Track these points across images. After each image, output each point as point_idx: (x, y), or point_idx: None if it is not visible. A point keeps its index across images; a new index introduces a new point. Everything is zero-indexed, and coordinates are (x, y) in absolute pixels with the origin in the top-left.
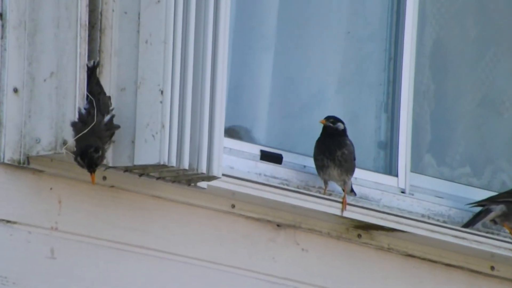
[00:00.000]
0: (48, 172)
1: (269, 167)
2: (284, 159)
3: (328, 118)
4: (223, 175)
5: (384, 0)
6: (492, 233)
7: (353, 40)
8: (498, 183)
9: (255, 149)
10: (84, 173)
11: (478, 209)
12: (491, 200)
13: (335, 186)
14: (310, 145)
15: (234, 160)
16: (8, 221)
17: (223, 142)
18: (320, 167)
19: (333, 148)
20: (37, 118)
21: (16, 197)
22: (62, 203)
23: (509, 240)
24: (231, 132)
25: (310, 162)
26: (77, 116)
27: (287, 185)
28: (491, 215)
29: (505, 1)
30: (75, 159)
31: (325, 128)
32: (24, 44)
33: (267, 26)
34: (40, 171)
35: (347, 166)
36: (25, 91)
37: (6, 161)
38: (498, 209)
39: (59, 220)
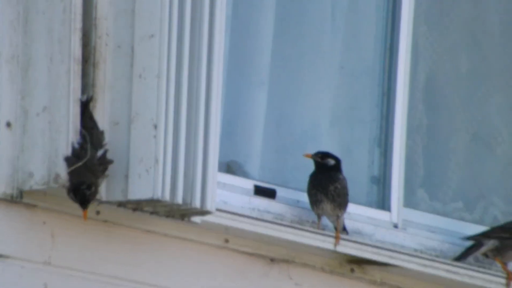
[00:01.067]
0: (41, 206)
1: (262, 202)
2: (277, 194)
3: (317, 153)
4: (217, 209)
5: (377, 35)
6: (484, 267)
7: (347, 75)
8: (490, 218)
9: (249, 184)
10: (77, 207)
11: (470, 242)
12: (484, 235)
13: (328, 222)
14: (303, 180)
15: (228, 195)
16: (0, 255)
17: (216, 177)
18: (314, 201)
19: (325, 183)
20: (30, 152)
21: (9, 231)
22: (55, 237)
23: (501, 274)
24: (225, 167)
25: (304, 197)
26: (70, 150)
27: (281, 220)
28: (483, 249)
29: (498, 37)
30: (68, 194)
31: (316, 163)
32: (17, 78)
33: (261, 61)
34: (33, 206)
35: (340, 200)
36: (18, 125)
37: None
38: (490, 243)
39: (52, 254)
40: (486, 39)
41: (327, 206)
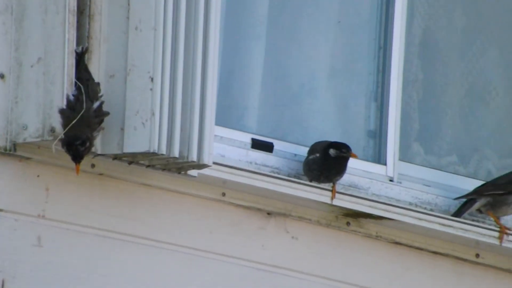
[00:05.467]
0: (35, 159)
1: (260, 156)
2: (275, 148)
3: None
4: (214, 163)
5: None
6: (478, 221)
7: (343, 29)
8: (484, 171)
9: (246, 138)
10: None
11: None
12: (477, 193)
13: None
14: (301, 133)
15: (225, 148)
16: None
17: (214, 130)
18: (313, 177)
19: (333, 173)
20: (24, 104)
21: (2, 185)
22: (49, 190)
23: (494, 228)
24: (222, 120)
25: (301, 151)
26: (65, 102)
27: (278, 173)
28: (477, 205)
29: None
30: (62, 147)
31: (337, 157)
32: (11, 30)
33: (258, 14)
34: (27, 158)
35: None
36: (11, 77)
37: None
38: (483, 199)
39: (46, 207)
40: None
41: (324, 181)
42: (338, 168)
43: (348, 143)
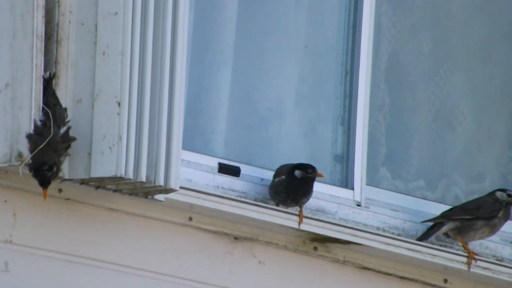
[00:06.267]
0: (3, 184)
1: (227, 180)
2: (242, 172)
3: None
4: (181, 187)
5: (340, 14)
6: (445, 247)
7: (311, 53)
8: (452, 196)
9: (213, 162)
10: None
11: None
12: (445, 217)
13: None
14: (268, 158)
15: (192, 172)
16: None
17: (180, 154)
18: (279, 200)
19: (299, 195)
20: None
21: None
22: (16, 215)
23: (462, 253)
24: (189, 144)
25: (268, 175)
26: (32, 128)
27: (245, 197)
28: (444, 229)
29: (459, 17)
30: (29, 171)
31: (303, 178)
32: None
33: (225, 39)
34: None
35: (306, 202)
36: None
37: None
38: (451, 223)
39: (13, 233)
40: (448, 18)
41: (291, 205)
42: (305, 189)
43: (316, 166)
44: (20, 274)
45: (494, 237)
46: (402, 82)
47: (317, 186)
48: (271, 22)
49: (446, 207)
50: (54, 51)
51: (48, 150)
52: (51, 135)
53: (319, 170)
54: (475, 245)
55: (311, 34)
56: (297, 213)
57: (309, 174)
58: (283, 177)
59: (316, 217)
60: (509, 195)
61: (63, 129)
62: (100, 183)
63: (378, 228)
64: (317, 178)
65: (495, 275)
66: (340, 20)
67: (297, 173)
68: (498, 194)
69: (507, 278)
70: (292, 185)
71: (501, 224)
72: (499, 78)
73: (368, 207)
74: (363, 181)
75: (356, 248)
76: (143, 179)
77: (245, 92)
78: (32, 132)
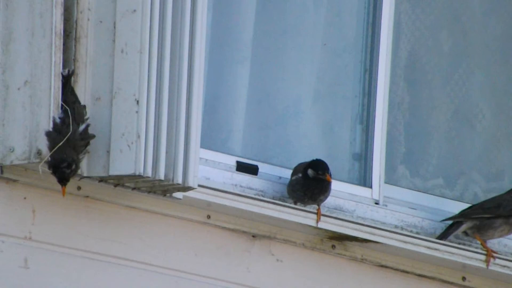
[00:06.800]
0: (22, 182)
1: (245, 178)
2: (260, 170)
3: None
4: (199, 185)
5: (359, 12)
6: (464, 244)
7: (329, 52)
8: (470, 194)
9: (231, 160)
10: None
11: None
12: (464, 216)
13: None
14: (286, 156)
15: (210, 171)
16: None
17: (199, 152)
18: (297, 198)
19: (316, 193)
20: (10, 127)
21: None
22: (36, 212)
23: (480, 251)
24: (207, 142)
25: (286, 174)
26: (51, 125)
27: (263, 196)
28: (463, 227)
29: (479, 15)
30: (49, 168)
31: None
32: None
33: (244, 38)
34: (14, 181)
35: (324, 199)
36: None
37: None
38: (469, 222)
39: (32, 229)
40: (468, 16)
41: (309, 203)
42: (320, 188)
43: (333, 166)
44: (39, 271)
45: None
46: (421, 80)
47: (335, 184)
48: (290, 20)
49: (465, 205)
50: (72, 48)
51: (67, 148)
52: (70, 132)
53: (337, 169)
54: (494, 243)
55: (329, 32)
56: (315, 211)
57: (320, 175)
58: (300, 175)
59: (334, 215)
60: None
61: (82, 127)
62: (118, 181)
63: (396, 226)
64: (334, 176)
65: None
66: (359, 18)
67: (310, 172)
68: None
69: None
70: (308, 183)
71: None
72: None
73: (386, 205)
74: (382, 179)
75: (374, 246)
76: (162, 177)
77: (263, 90)
78: (51, 129)
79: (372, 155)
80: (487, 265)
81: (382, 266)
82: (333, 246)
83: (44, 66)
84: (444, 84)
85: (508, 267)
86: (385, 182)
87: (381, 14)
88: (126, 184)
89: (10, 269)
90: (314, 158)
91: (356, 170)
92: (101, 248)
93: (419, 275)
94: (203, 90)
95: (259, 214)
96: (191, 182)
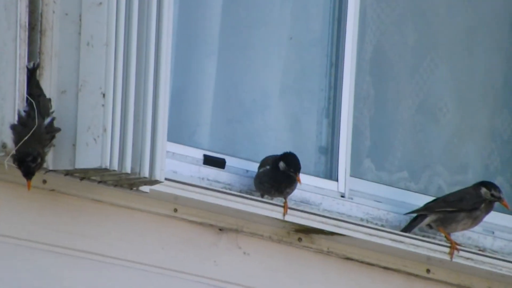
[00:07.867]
0: None
1: (212, 172)
2: (227, 164)
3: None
4: (166, 179)
5: (326, 6)
6: (428, 237)
7: (295, 45)
8: (435, 187)
9: (199, 154)
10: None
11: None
12: (428, 209)
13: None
14: (253, 149)
15: (177, 164)
16: None
17: (166, 146)
18: (264, 190)
19: (283, 186)
20: None
21: None
22: (1, 206)
23: (444, 243)
24: (174, 136)
25: (253, 167)
26: (16, 118)
27: (230, 189)
28: (427, 220)
29: (443, 9)
30: (13, 162)
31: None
32: None
33: (210, 31)
34: None
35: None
36: None
37: None
38: (433, 215)
39: None
40: (432, 10)
41: (276, 195)
42: (288, 180)
43: (300, 159)
44: (4, 265)
45: (476, 228)
46: (387, 74)
47: (302, 178)
48: (256, 14)
49: (429, 198)
50: (38, 41)
51: (32, 141)
52: (36, 126)
53: (303, 162)
54: (458, 235)
55: (296, 25)
56: (282, 204)
57: (291, 172)
58: (268, 167)
59: (301, 208)
60: (492, 195)
61: (47, 120)
62: (84, 174)
63: (361, 219)
64: (302, 169)
65: (477, 265)
66: (325, 12)
67: (281, 165)
68: (483, 191)
69: (489, 268)
70: (277, 175)
71: (483, 216)
72: (482, 70)
73: (352, 198)
74: (347, 173)
75: (340, 239)
76: (128, 170)
77: (230, 84)
78: (16, 122)
79: (338, 148)
80: (451, 258)
81: (348, 258)
82: (300, 239)
83: (9, 59)
84: (409, 78)
85: (471, 259)
86: (351, 176)
87: (347, 8)
88: (92, 178)
89: None
90: (288, 151)
91: (322, 163)
92: (67, 242)
93: (384, 268)
94: (170, 83)
95: (226, 207)
96: (158, 176)
